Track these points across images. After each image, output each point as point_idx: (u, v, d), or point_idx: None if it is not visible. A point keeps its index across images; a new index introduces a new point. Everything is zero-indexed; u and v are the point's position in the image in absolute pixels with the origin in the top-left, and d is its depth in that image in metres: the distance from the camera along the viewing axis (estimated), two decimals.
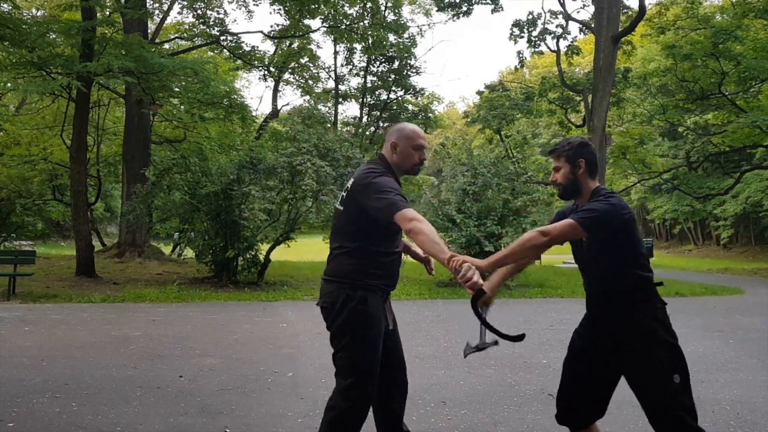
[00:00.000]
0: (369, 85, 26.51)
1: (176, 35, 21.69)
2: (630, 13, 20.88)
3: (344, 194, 2.58)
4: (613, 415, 3.88)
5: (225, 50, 19.99)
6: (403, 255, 2.74)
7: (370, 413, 2.56)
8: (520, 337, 2.40)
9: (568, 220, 2.33)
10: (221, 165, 11.31)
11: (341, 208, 2.57)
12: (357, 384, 2.42)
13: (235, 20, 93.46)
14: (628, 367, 2.38)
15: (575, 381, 2.49)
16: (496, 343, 2.45)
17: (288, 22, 19.90)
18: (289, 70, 23.73)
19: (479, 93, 28.70)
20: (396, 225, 2.41)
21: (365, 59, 25.73)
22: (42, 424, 3.54)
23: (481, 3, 21.95)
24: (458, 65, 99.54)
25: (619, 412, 3.95)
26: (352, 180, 2.56)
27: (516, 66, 25.90)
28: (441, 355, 5.60)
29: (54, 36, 12.23)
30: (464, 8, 21.91)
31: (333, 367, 2.53)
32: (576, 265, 2.61)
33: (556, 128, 30.97)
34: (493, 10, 22.14)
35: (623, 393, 4.44)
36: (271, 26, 25.30)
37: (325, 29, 21.75)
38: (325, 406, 2.49)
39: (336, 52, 26.53)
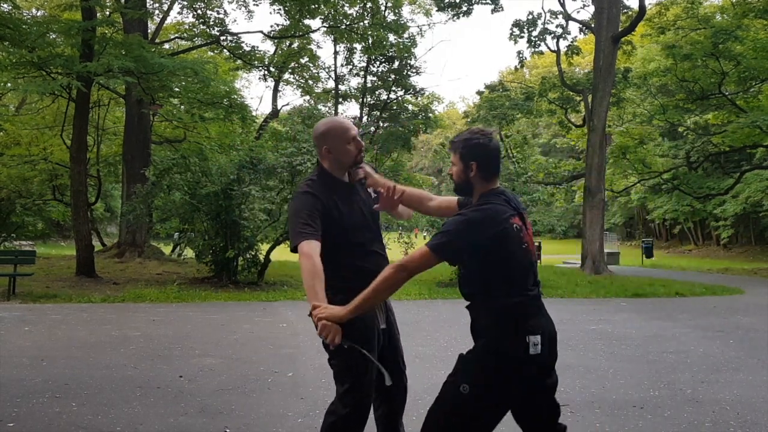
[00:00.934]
0: (369, 85, 26.49)
1: (176, 35, 21.69)
2: (630, 13, 20.87)
3: None
4: (613, 415, 3.89)
5: (225, 50, 19.98)
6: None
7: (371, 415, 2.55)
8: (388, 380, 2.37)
9: (422, 247, 2.17)
10: (221, 165, 11.31)
11: None
12: (353, 388, 2.40)
13: (235, 20, 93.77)
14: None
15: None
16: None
17: (288, 22, 19.89)
18: (289, 70, 23.71)
19: (479, 93, 28.71)
20: (345, 220, 2.42)
21: (365, 59, 25.70)
22: (42, 424, 3.54)
23: (481, 3, 21.94)
24: (458, 65, 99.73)
25: (619, 412, 3.95)
26: None
27: (516, 66, 25.88)
28: (441, 355, 5.59)
29: (54, 36, 12.23)
30: (464, 8, 21.88)
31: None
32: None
33: (556, 128, 31.01)
34: (493, 10, 22.12)
35: (623, 393, 4.45)
36: (271, 26, 25.27)
37: (325, 29, 21.73)
38: (326, 410, 2.48)
39: (336, 52, 26.51)
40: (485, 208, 2.15)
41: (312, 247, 2.30)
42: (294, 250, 2.36)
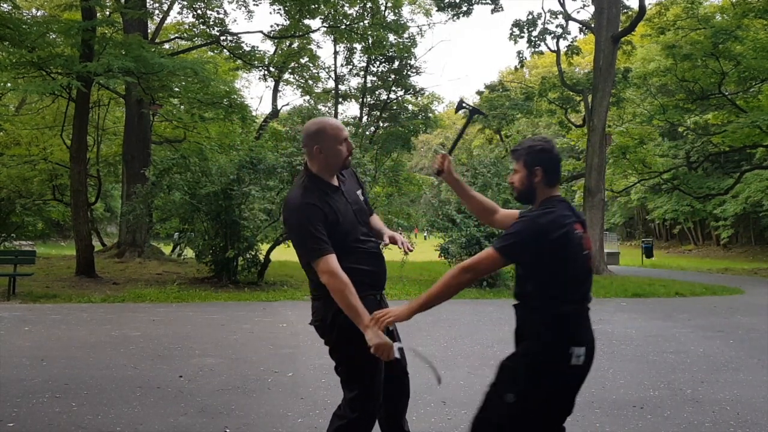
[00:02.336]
0: (369, 85, 26.48)
1: (176, 35, 21.67)
2: (630, 13, 20.87)
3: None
4: (613, 415, 3.89)
5: (225, 50, 19.97)
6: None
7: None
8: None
9: (487, 249, 2.18)
10: (221, 165, 11.31)
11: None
12: (362, 395, 2.40)
13: (235, 20, 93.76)
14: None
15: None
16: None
17: (288, 22, 19.88)
18: (289, 70, 23.70)
19: (479, 93, 28.70)
20: (343, 225, 2.39)
21: (365, 59, 25.70)
22: (42, 424, 3.54)
23: (481, 3, 21.93)
24: (458, 65, 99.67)
25: (619, 412, 3.95)
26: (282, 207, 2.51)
27: (516, 66, 25.87)
28: (441, 355, 5.59)
29: (54, 36, 12.22)
30: (464, 8, 21.88)
31: (333, 366, 2.53)
32: None
33: (556, 128, 30.96)
34: (493, 10, 22.12)
35: (623, 393, 4.45)
36: (271, 26, 25.27)
37: (325, 29, 21.73)
38: (333, 413, 2.48)
39: (336, 52, 26.51)
40: (550, 212, 2.17)
41: (334, 263, 2.28)
42: (307, 264, 2.34)
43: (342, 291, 2.25)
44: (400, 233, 12.63)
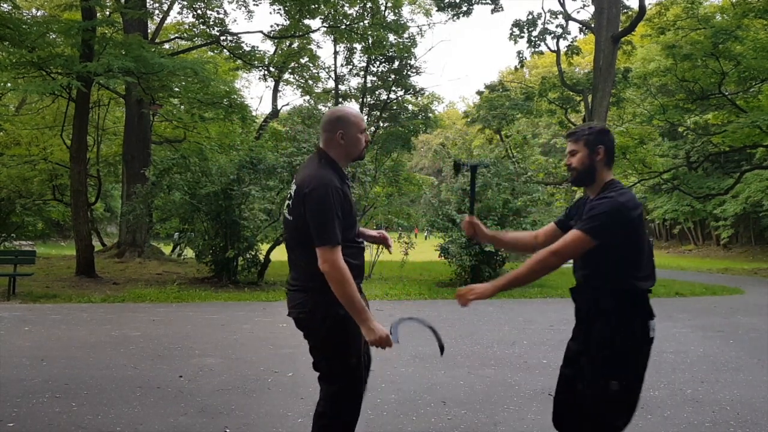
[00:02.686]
0: (369, 85, 26.47)
1: (176, 35, 21.67)
2: (630, 13, 20.88)
3: (290, 202, 2.42)
4: None
5: (225, 50, 19.97)
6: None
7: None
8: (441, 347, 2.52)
9: (574, 232, 2.21)
10: (221, 165, 11.31)
11: (290, 217, 2.41)
12: (348, 389, 2.37)
13: (235, 20, 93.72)
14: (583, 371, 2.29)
15: (567, 387, 2.41)
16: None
17: (288, 22, 19.88)
18: (289, 70, 23.70)
19: (479, 93, 28.69)
20: (351, 217, 2.37)
21: (365, 59, 25.68)
22: (42, 424, 3.54)
23: (481, 3, 21.94)
24: (458, 65, 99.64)
25: None
26: (295, 186, 2.39)
27: (516, 66, 25.87)
28: (440, 355, 5.59)
29: (54, 36, 12.22)
30: (464, 8, 21.89)
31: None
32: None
33: (556, 128, 30.98)
34: (493, 10, 22.13)
35: None
36: (271, 26, 25.26)
37: (325, 29, 21.72)
38: (314, 413, 2.41)
39: (336, 52, 26.49)
40: (626, 192, 2.25)
41: (341, 256, 2.26)
42: (304, 250, 2.32)
43: (346, 283, 2.24)
44: (400, 233, 12.57)
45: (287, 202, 2.46)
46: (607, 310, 2.23)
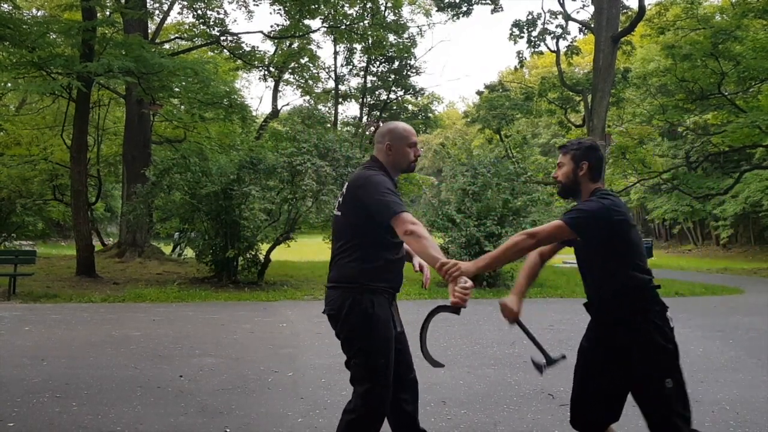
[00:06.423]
0: (369, 85, 26.50)
1: (176, 35, 21.68)
2: (630, 13, 20.88)
3: (340, 199, 2.58)
4: None
5: (225, 50, 19.98)
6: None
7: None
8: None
9: (556, 221, 2.32)
10: (221, 165, 11.31)
11: (339, 214, 2.56)
12: (374, 389, 2.41)
13: (235, 20, 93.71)
14: (625, 371, 2.36)
15: (585, 386, 2.47)
16: (563, 357, 2.51)
17: (288, 22, 19.89)
18: (289, 70, 23.71)
19: (479, 93, 28.70)
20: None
21: (365, 59, 25.72)
22: (42, 424, 3.55)
23: (481, 3, 21.95)
24: (458, 65, 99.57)
25: None
26: (347, 184, 2.57)
27: (516, 66, 25.88)
28: (441, 355, 5.55)
29: (54, 36, 12.21)
30: (464, 8, 21.89)
31: (333, 366, 2.54)
32: (575, 265, 2.62)
33: (555, 128, 30.97)
34: (493, 10, 22.13)
35: None
36: (271, 26, 25.30)
37: (325, 29, 21.74)
38: (344, 409, 2.49)
39: (336, 52, 26.52)
40: (612, 198, 2.34)
41: (413, 218, 2.35)
42: (390, 217, 2.36)
43: (430, 237, 2.32)
44: None
45: (338, 200, 2.62)
46: (621, 307, 2.34)
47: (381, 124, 2.76)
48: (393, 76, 25.79)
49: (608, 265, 2.35)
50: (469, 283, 2.24)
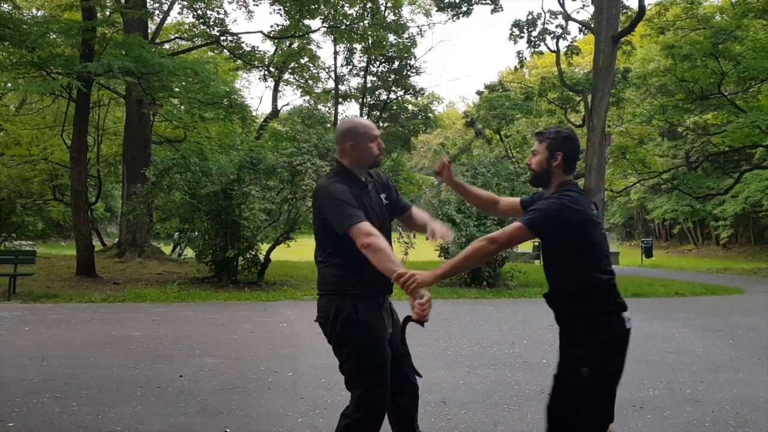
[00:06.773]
0: (369, 85, 26.52)
1: (176, 35, 21.67)
2: (630, 13, 20.88)
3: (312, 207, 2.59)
4: None
5: (225, 50, 19.98)
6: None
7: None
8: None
9: (515, 223, 2.29)
10: (221, 165, 11.31)
11: (315, 220, 2.56)
12: (368, 393, 2.41)
13: (235, 20, 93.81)
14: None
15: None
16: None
17: (288, 22, 19.89)
18: (289, 70, 23.72)
19: (479, 93, 28.75)
20: (381, 222, 2.45)
21: (365, 59, 25.74)
22: (42, 424, 3.55)
23: (481, 3, 21.95)
24: (458, 65, 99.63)
25: (619, 412, 3.94)
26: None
27: (516, 66, 25.90)
28: (441, 355, 5.60)
29: (54, 36, 12.21)
30: (464, 8, 21.89)
31: (333, 366, 2.54)
32: None
33: None
34: (493, 10, 22.13)
35: (623, 393, 4.44)
36: (271, 26, 25.27)
37: (325, 29, 21.75)
38: (341, 413, 2.49)
39: (336, 52, 26.54)
40: (573, 194, 2.30)
41: (371, 227, 2.32)
42: (345, 232, 2.35)
43: (383, 247, 2.30)
44: (400, 233, 12.36)
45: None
46: (581, 307, 2.31)
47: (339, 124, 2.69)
48: (393, 76, 25.81)
49: (565, 264, 2.32)
50: (426, 297, 2.22)
